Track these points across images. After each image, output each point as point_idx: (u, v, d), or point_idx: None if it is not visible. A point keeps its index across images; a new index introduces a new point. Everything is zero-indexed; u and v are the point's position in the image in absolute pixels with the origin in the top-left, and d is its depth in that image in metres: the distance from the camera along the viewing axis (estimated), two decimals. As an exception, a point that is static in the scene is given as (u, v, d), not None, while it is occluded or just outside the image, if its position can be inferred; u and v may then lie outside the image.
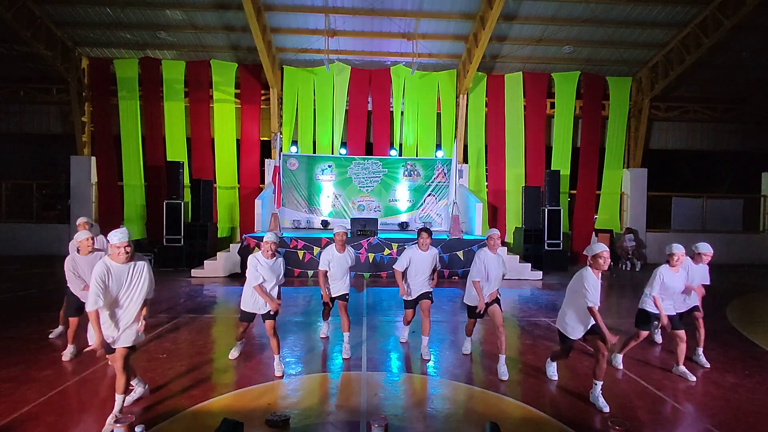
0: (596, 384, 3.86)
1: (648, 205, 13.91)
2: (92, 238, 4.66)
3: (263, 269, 4.37)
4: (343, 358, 4.91)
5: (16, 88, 13.26)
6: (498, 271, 4.67)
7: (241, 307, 4.59)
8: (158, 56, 12.71)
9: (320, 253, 5.44)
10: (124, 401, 3.44)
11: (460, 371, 4.63)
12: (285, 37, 11.96)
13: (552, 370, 4.49)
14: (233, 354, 4.84)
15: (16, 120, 13.58)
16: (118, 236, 3.29)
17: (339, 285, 5.14)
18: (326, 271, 5.09)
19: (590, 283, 3.79)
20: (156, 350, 4.99)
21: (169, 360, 4.72)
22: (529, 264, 10.70)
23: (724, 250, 13.96)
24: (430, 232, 4.95)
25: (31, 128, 13.67)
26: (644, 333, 4.73)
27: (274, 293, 4.49)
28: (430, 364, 4.83)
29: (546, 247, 11.70)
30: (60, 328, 5.48)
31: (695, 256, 4.99)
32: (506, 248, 11.20)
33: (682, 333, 4.52)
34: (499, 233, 4.83)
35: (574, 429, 3.40)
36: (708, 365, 4.85)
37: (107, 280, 3.26)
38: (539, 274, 10.44)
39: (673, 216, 14.41)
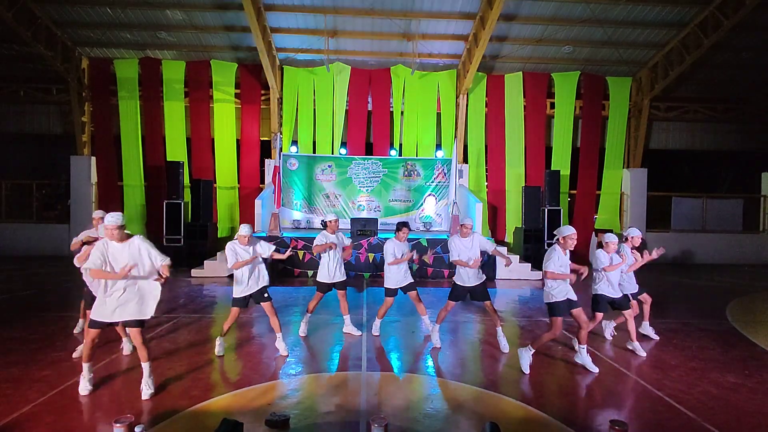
0: (581, 348, 4.70)
1: (648, 205, 13.91)
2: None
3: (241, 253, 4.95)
4: (354, 335, 5.69)
5: (16, 88, 13.26)
6: (471, 253, 5.26)
7: (233, 295, 5.02)
8: (158, 56, 12.71)
9: (319, 254, 5.73)
10: (150, 366, 3.96)
11: (460, 371, 4.63)
12: (285, 37, 11.96)
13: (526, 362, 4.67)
14: (218, 350, 4.96)
15: (16, 120, 13.57)
16: (108, 219, 3.82)
17: (334, 269, 5.66)
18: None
19: (555, 256, 4.51)
20: (155, 350, 4.98)
21: (168, 360, 4.71)
22: (529, 264, 10.70)
23: (724, 250, 13.99)
24: (409, 226, 5.73)
25: (31, 128, 13.66)
26: (600, 315, 5.33)
27: (258, 274, 5.02)
28: (430, 364, 4.84)
29: (546, 247, 11.68)
30: (81, 321, 5.60)
31: (627, 241, 5.63)
32: (506, 248, 11.20)
33: (628, 312, 5.21)
34: (471, 223, 5.46)
35: (574, 429, 3.40)
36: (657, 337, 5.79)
37: (105, 254, 3.80)
38: (539, 274, 10.43)
39: (673, 216, 14.41)
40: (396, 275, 5.61)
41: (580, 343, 4.71)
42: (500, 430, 2.93)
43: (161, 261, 3.96)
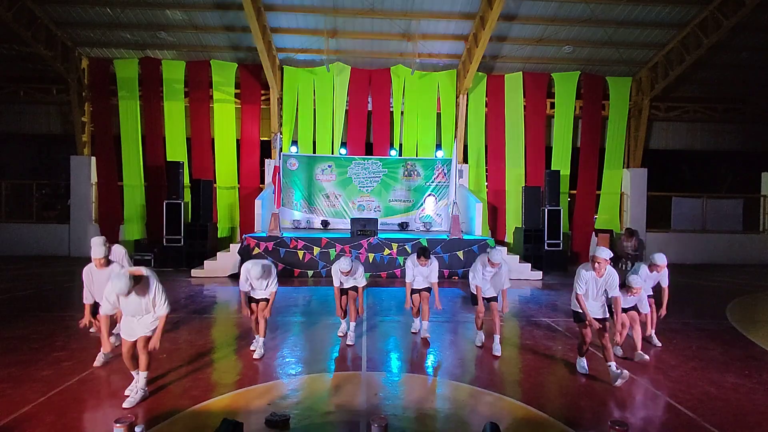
0: (610, 365, 4.34)
1: (648, 205, 13.91)
2: (106, 258, 4.42)
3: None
4: (347, 345, 5.32)
5: (16, 88, 13.25)
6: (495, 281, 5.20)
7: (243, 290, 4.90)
8: (158, 56, 12.71)
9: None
10: (146, 377, 3.87)
11: (460, 371, 4.63)
12: (285, 37, 11.96)
13: (582, 363, 4.63)
14: (258, 353, 4.85)
15: (16, 120, 13.56)
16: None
17: (350, 282, 5.46)
18: (339, 287, 5.44)
19: (581, 278, 4.38)
20: (156, 350, 4.97)
21: (169, 360, 4.71)
22: (529, 264, 10.70)
23: (724, 250, 13.99)
24: (427, 255, 5.34)
25: (31, 128, 13.66)
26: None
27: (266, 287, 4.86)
28: (430, 364, 4.84)
29: (546, 247, 11.69)
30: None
31: (651, 267, 5.31)
32: (506, 248, 11.19)
33: (624, 317, 4.95)
34: (502, 256, 5.16)
35: (574, 429, 3.40)
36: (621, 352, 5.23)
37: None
38: (539, 274, 10.44)
39: (673, 216, 14.40)
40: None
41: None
42: (500, 430, 2.93)
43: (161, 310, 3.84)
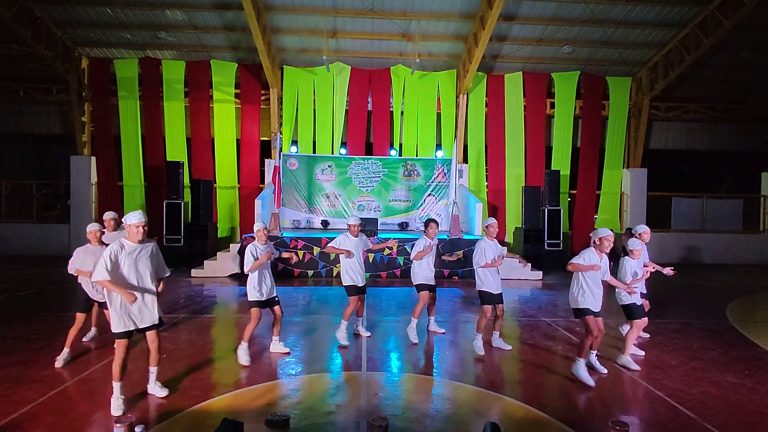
0: (579, 360, 4.35)
1: (648, 205, 13.91)
2: (101, 231, 4.76)
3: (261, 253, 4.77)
4: (365, 336, 5.61)
5: (16, 88, 13.27)
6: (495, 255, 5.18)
7: (249, 298, 4.81)
8: (158, 56, 12.71)
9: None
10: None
11: (460, 371, 4.63)
12: (285, 37, 11.97)
13: (585, 365, 4.33)
14: (243, 359, 4.65)
15: (16, 120, 13.58)
16: (137, 217, 3.63)
17: (361, 272, 5.61)
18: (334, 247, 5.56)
19: (586, 257, 4.39)
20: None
21: (169, 360, 4.71)
22: (529, 264, 10.70)
23: (724, 250, 13.99)
24: (437, 222, 5.64)
25: (31, 128, 13.67)
26: (641, 322, 5.00)
27: (271, 280, 4.92)
28: (430, 364, 4.84)
29: (546, 247, 11.69)
30: (93, 329, 5.39)
31: (639, 237, 5.45)
32: (506, 248, 11.18)
33: (642, 321, 4.94)
34: (496, 222, 5.37)
35: (574, 429, 3.40)
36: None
37: (119, 258, 3.56)
38: (539, 274, 10.43)
39: (673, 216, 14.40)
40: (423, 272, 5.60)
41: (592, 348, 4.54)
42: (500, 430, 2.93)
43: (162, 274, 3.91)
